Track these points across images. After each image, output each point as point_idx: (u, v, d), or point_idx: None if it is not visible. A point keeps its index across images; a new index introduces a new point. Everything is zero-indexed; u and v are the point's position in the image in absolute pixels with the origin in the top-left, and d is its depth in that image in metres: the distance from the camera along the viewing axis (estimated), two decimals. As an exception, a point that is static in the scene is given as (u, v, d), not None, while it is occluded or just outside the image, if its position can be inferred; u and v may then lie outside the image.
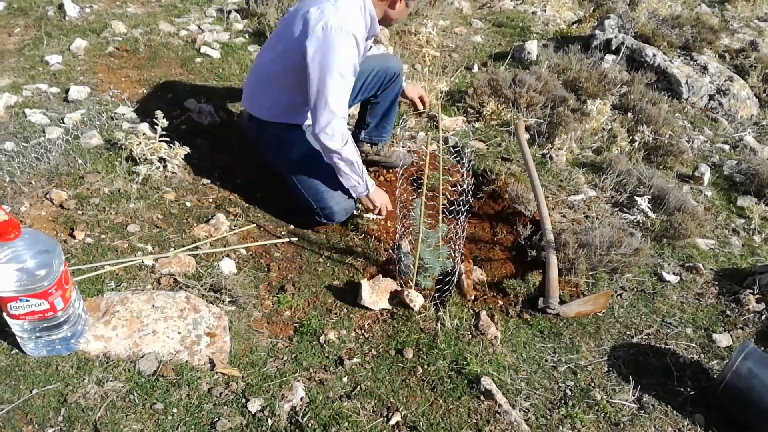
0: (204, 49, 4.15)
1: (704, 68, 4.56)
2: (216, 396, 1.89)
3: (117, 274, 2.29)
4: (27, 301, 1.74)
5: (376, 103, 3.03)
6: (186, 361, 1.97)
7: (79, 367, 1.89)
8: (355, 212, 2.79)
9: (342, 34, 2.29)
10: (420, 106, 3.14)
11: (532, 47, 4.61)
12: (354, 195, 2.63)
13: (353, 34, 2.32)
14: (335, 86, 2.35)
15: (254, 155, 2.98)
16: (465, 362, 2.13)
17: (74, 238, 2.43)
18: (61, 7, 4.52)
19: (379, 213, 2.72)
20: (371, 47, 2.80)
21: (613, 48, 4.67)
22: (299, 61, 2.38)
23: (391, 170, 3.16)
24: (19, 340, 1.87)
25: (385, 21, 2.55)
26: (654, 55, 4.51)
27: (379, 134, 3.16)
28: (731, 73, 4.55)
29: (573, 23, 5.46)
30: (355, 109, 3.27)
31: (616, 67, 4.49)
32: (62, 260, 1.80)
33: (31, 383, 1.82)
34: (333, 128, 2.39)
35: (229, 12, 4.80)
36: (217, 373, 1.96)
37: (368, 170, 3.03)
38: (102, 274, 2.27)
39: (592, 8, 5.71)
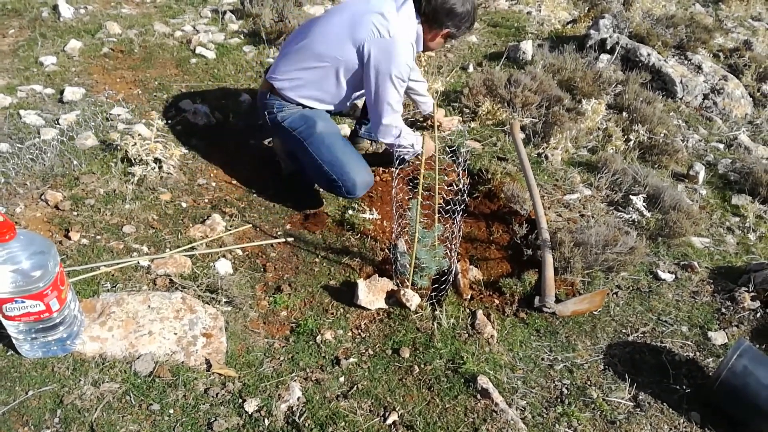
0: (199, 50, 4.14)
1: (698, 68, 4.57)
2: (212, 396, 1.88)
3: (112, 275, 2.28)
4: (22, 302, 1.74)
5: None
6: (182, 362, 1.97)
7: (75, 369, 1.88)
8: (351, 212, 2.79)
9: (403, 42, 2.52)
10: (439, 126, 3.25)
11: (527, 47, 4.62)
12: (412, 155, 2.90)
13: (411, 44, 2.56)
14: (394, 89, 2.60)
15: (265, 135, 3.18)
16: (461, 361, 2.13)
17: (69, 239, 2.42)
18: (55, 8, 4.52)
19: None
20: None
21: (608, 48, 4.68)
22: (353, 57, 2.57)
23: (387, 170, 3.15)
24: (14, 341, 1.87)
25: (424, 45, 2.73)
26: (648, 55, 4.52)
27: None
28: (725, 73, 4.57)
29: (568, 23, 5.47)
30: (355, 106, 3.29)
31: (610, 66, 4.50)
32: (58, 261, 1.80)
33: (27, 385, 1.82)
34: (392, 125, 2.71)
35: (224, 13, 4.80)
36: (213, 373, 1.96)
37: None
38: (97, 275, 2.27)
39: (586, 8, 5.72)
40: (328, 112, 2.85)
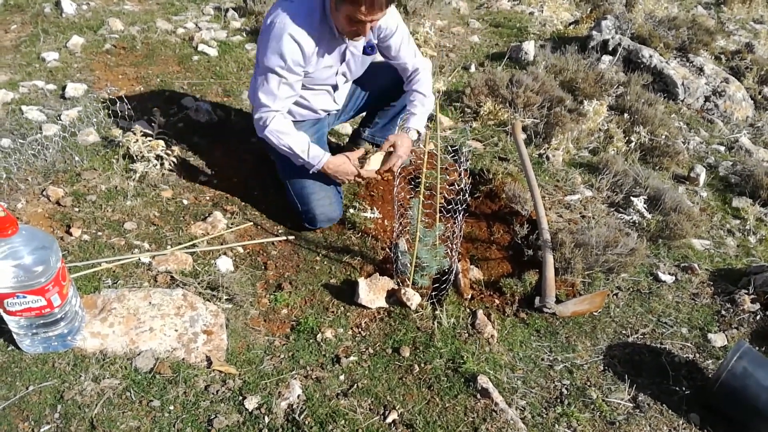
0: (201, 47, 4.14)
1: (700, 70, 4.57)
2: (213, 393, 1.89)
3: (114, 272, 2.28)
4: (24, 297, 1.74)
5: (392, 105, 2.99)
6: (183, 359, 1.97)
7: (76, 364, 1.88)
8: (352, 210, 2.80)
9: (280, 34, 2.29)
10: (389, 153, 2.66)
11: (530, 48, 4.62)
12: (311, 171, 2.58)
13: (291, 35, 2.29)
14: (265, 81, 2.40)
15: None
16: (462, 361, 2.13)
17: (71, 235, 2.42)
18: (57, 3, 4.51)
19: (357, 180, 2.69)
20: (370, 53, 2.64)
21: (610, 49, 4.69)
22: None
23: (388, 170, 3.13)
24: (15, 336, 1.87)
25: (336, 28, 2.40)
26: (650, 57, 4.53)
27: (383, 135, 3.03)
28: (727, 75, 4.57)
29: (570, 24, 5.48)
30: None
31: (612, 68, 4.51)
32: (59, 257, 1.80)
33: (28, 380, 1.82)
34: (260, 117, 2.47)
35: (227, 10, 4.79)
36: (214, 370, 1.96)
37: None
38: (99, 271, 2.27)
39: (589, 9, 5.73)
40: (317, 120, 2.77)
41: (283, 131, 2.48)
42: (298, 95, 2.55)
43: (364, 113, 3.13)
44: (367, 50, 2.58)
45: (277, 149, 2.53)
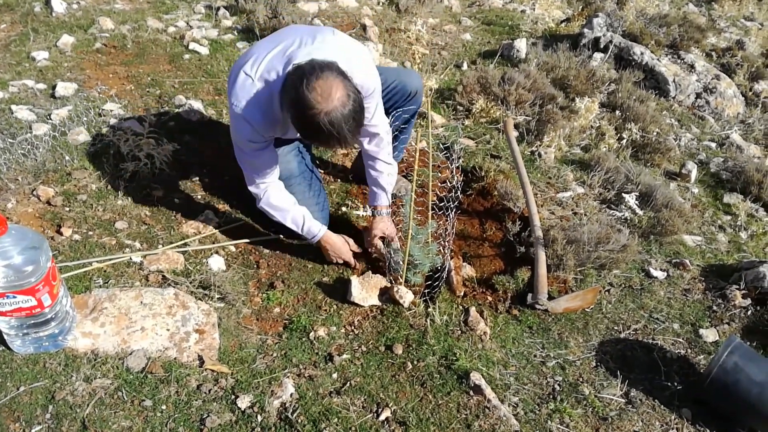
0: (192, 46, 4.13)
1: (691, 67, 4.59)
2: (205, 393, 1.88)
3: (105, 271, 2.27)
4: (14, 297, 1.73)
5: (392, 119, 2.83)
6: (175, 358, 1.97)
7: (67, 364, 1.88)
8: (345, 209, 2.79)
9: (237, 118, 2.16)
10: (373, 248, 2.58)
11: (521, 45, 4.63)
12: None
13: (246, 120, 2.14)
14: (243, 167, 2.37)
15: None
16: (454, 358, 2.14)
17: (61, 234, 2.41)
18: (47, 2, 4.48)
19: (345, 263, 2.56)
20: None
21: (602, 46, 4.70)
22: None
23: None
24: (6, 337, 1.86)
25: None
26: (642, 54, 4.54)
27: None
28: (718, 72, 4.59)
29: (562, 22, 5.48)
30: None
31: (604, 65, 4.52)
32: (49, 256, 1.79)
33: (19, 380, 1.81)
34: (252, 192, 2.41)
35: (218, 9, 4.78)
36: (206, 369, 1.96)
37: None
38: (90, 271, 2.26)
39: (580, 7, 5.73)
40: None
41: (277, 207, 2.41)
42: (277, 156, 2.41)
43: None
44: None
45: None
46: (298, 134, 2.19)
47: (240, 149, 2.30)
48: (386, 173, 2.54)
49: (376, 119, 2.39)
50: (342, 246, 2.50)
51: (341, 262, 2.53)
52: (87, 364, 1.88)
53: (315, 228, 2.44)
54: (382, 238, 2.55)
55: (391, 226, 2.57)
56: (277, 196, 2.41)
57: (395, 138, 2.75)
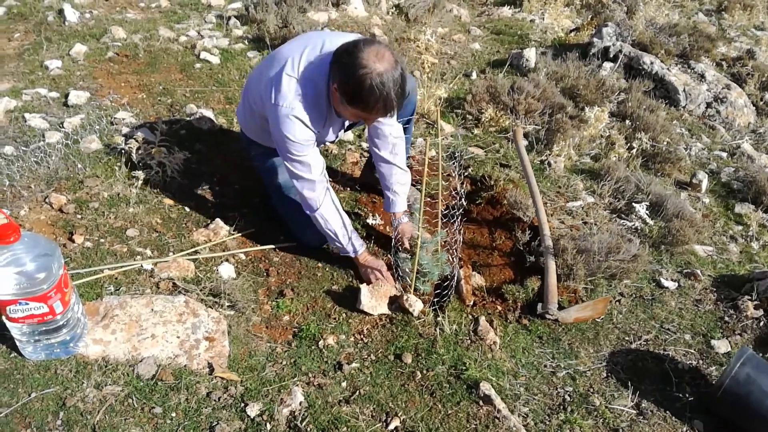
0: (203, 55, 4.16)
1: (702, 76, 4.58)
2: (215, 400, 1.88)
3: (116, 278, 2.28)
4: (26, 304, 1.74)
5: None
6: (185, 366, 1.97)
7: (78, 371, 1.88)
8: (354, 217, 2.79)
9: (287, 117, 2.17)
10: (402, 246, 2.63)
11: (531, 55, 4.63)
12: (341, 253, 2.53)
13: (297, 117, 2.17)
14: (290, 163, 2.29)
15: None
16: (464, 367, 2.13)
17: (73, 242, 2.43)
18: (61, 12, 4.54)
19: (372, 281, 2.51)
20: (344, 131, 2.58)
21: (611, 56, 4.70)
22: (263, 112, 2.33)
23: None
24: (18, 343, 1.87)
25: (337, 112, 2.30)
26: (652, 63, 4.53)
27: None
28: (728, 81, 4.58)
29: (571, 31, 5.49)
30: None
31: (613, 74, 4.51)
32: (62, 263, 1.80)
33: (30, 387, 1.82)
34: (303, 194, 2.35)
35: (229, 18, 4.82)
36: (215, 377, 1.96)
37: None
38: (101, 278, 2.27)
39: (590, 16, 5.74)
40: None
41: (331, 215, 2.38)
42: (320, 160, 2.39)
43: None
44: None
45: (320, 229, 2.43)
46: (342, 117, 2.30)
47: (291, 154, 2.25)
48: (402, 181, 2.62)
49: (394, 120, 2.45)
50: (380, 267, 2.49)
51: (378, 277, 2.49)
52: (98, 371, 1.89)
53: (359, 244, 2.48)
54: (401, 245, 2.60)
55: (408, 230, 2.66)
56: (332, 205, 2.40)
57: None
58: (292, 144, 2.22)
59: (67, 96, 3.43)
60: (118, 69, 3.89)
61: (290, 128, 2.19)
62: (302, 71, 2.19)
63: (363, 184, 3.09)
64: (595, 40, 4.87)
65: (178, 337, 2.04)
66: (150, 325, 2.05)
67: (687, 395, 2.16)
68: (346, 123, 2.49)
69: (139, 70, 3.92)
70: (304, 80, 2.18)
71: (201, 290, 2.30)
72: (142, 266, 2.36)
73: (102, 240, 2.48)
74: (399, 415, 1.93)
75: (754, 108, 4.48)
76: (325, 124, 2.32)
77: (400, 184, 2.63)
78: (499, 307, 2.46)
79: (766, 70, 4.85)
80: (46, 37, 4.17)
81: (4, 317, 1.78)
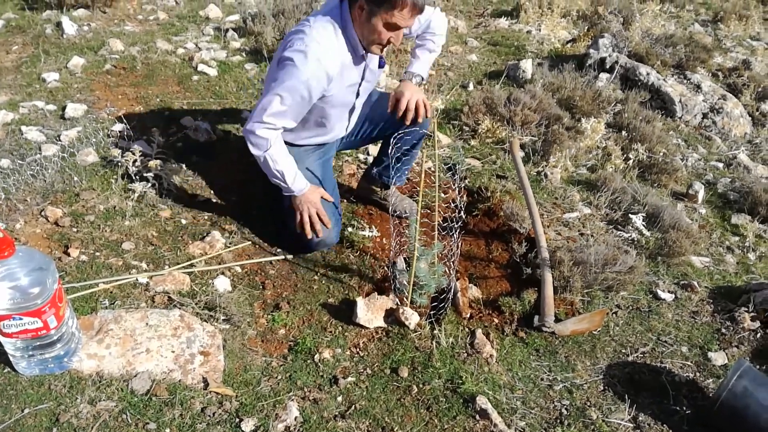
0: (201, 67, 4.17)
1: (698, 87, 4.59)
2: (209, 416, 1.87)
3: (111, 292, 2.28)
4: (20, 319, 1.73)
5: (388, 143, 2.83)
6: (179, 380, 1.96)
7: (72, 386, 1.87)
8: (351, 229, 2.79)
9: (306, 57, 2.21)
10: (408, 117, 2.59)
11: (527, 66, 4.65)
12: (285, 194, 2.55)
13: (319, 60, 2.22)
14: (273, 101, 2.28)
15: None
16: (460, 381, 2.12)
17: (69, 255, 2.42)
18: (59, 25, 4.55)
19: (308, 227, 2.54)
20: (382, 66, 2.56)
21: (607, 67, 4.71)
22: None
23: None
24: (11, 358, 1.86)
25: (363, 41, 2.32)
26: (648, 74, 4.55)
27: (389, 175, 2.89)
28: (724, 92, 4.59)
29: (567, 42, 5.51)
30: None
31: (610, 85, 4.53)
32: (56, 278, 1.80)
33: (23, 402, 1.81)
34: (261, 135, 2.35)
35: (227, 30, 4.83)
36: (210, 392, 1.95)
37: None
38: (96, 291, 2.27)
39: (586, 27, 5.76)
40: (319, 146, 2.70)
41: (280, 156, 2.41)
42: (298, 122, 2.45)
43: (372, 145, 3.05)
44: (381, 62, 2.51)
45: (265, 171, 2.46)
46: (366, 55, 2.37)
47: (286, 93, 2.26)
48: (427, 46, 2.67)
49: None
50: (315, 196, 2.52)
51: (308, 226, 2.51)
52: (92, 386, 1.88)
53: (303, 183, 2.49)
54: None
55: (418, 92, 2.58)
56: (282, 147, 2.43)
57: (398, 159, 2.79)
58: (292, 82, 2.23)
59: (64, 109, 3.43)
60: (116, 81, 3.90)
61: (302, 66, 2.21)
62: (315, 20, 2.26)
63: (359, 196, 3.09)
64: (591, 51, 4.89)
65: (173, 352, 2.03)
66: (145, 339, 2.05)
67: (684, 408, 2.15)
68: (366, 70, 2.47)
69: (137, 82, 3.93)
70: (318, 23, 2.25)
71: (196, 304, 2.29)
72: (137, 280, 2.35)
73: (97, 253, 2.47)
74: (395, 429, 1.92)
75: (750, 118, 4.49)
76: (343, 65, 2.32)
77: (424, 48, 2.69)
78: (496, 320, 2.46)
79: (762, 81, 4.87)
80: (44, 49, 4.18)
81: (-3, 332, 1.77)
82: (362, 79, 2.51)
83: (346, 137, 2.86)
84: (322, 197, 2.56)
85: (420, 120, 2.61)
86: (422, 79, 2.68)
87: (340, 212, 2.73)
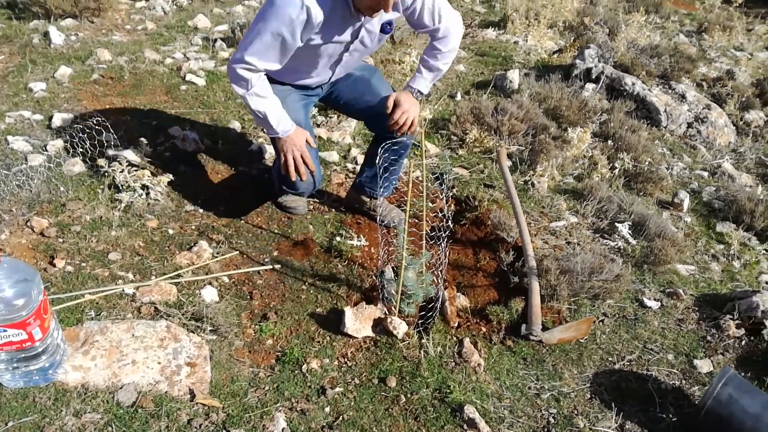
0: (189, 77, 4.17)
1: (682, 96, 4.65)
2: (196, 427, 1.86)
3: (97, 303, 2.26)
4: (4, 331, 1.72)
5: (374, 154, 2.80)
6: (166, 392, 1.95)
7: (57, 399, 1.86)
8: (339, 238, 2.80)
9: (290, 1, 2.15)
10: (397, 129, 2.60)
11: (514, 76, 4.68)
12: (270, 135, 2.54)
13: (305, 4, 2.14)
14: (255, 39, 2.25)
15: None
16: (448, 390, 2.12)
17: (54, 266, 2.40)
18: (46, 34, 4.54)
19: (294, 171, 2.53)
20: (388, 31, 2.50)
21: (593, 77, 4.76)
22: None
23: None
24: (-5, 371, 1.84)
25: (354, 2, 2.26)
26: (633, 84, 4.60)
27: (372, 187, 2.93)
28: (709, 102, 4.65)
29: (554, 53, 5.56)
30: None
31: (596, 95, 4.57)
32: (41, 289, 1.79)
33: (7, 415, 1.79)
34: (242, 75, 2.32)
35: (215, 40, 4.84)
36: (197, 403, 1.94)
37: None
38: (82, 303, 2.25)
39: (572, 38, 5.82)
40: (303, 88, 2.64)
41: (263, 98, 2.40)
42: (283, 64, 2.40)
43: (359, 154, 3.01)
44: (385, 28, 2.47)
45: (248, 110, 2.44)
46: (360, 18, 2.29)
47: (267, 32, 2.22)
48: (435, 65, 2.62)
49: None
50: (300, 139, 2.50)
51: (292, 168, 2.50)
52: (77, 399, 1.86)
53: (288, 124, 2.47)
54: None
55: (415, 106, 2.58)
56: (265, 85, 2.41)
57: (385, 169, 2.76)
58: (278, 22, 2.18)
59: (51, 118, 3.42)
60: (103, 91, 3.89)
61: (288, 8, 2.15)
62: None
63: (348, 206, 3.09)
64: (577, 61, 4.94)
65: (159, 363, 2.02)
66: (131, 350, 2.03)
67: (670, 416, 2.17)
68: (361, 30, 2.41)
69: (124, 92, 3.92)
70: None
71: (183, 314, 2.28)
72: (123, 290, 2.34)
73: (83, 264, 2.46)
74: (382, 439, 1.92)
75: (734, 127, 4.55)
76: (330, 17, 2.24)
77: (428, 64, 2.63)
78: (484, 329, 2.46)
79: (746, 90, 4.94)
80: (31, 59, 4.17)
81: (-19, 345, 1.75)
82: (355, 38, 2.44)
83: (332, 92, 2.81)
84: (306, 141, 2.54)
85: (401, 134, 2.62)
86: (422, 95, 2.70)
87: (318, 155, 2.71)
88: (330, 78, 2.69)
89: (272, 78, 2.54)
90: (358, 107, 2.79)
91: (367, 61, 2.62)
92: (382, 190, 2.89)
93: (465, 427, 1.99)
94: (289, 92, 2.61)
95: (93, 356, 1.99)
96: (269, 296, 2.50)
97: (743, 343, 2.52)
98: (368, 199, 3.01)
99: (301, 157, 2.51)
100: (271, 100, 2.43)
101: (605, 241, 3.09)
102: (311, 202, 3.10)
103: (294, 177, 2.53)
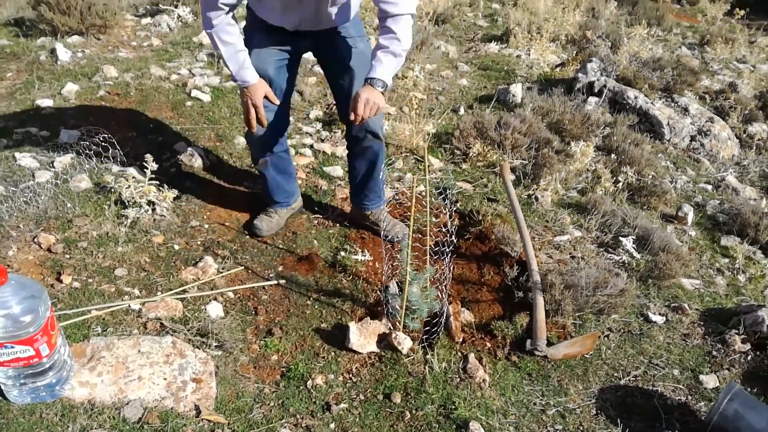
0: (194, 93, 4.20)
1: (685, 110, 4.66)
2: (201, 443, 1.87)
3: (103, 319, 2.28)
4: (12, 347, 1.73)
5: (352, 167, 2.89)
6: (171, 408, 1.96)
7: (64, 415, 1.87)
8: (343, 253, 2.80)
9: None
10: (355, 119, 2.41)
11: (517, 90, 4.71)
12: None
13: None
14: None
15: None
16: (453, 406, 2.12)
17: (61, 282, 2.42)
18: (53, 51, 4.59)
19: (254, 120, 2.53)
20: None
21: (596, 90, 4.78)
22: None
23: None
24: (2, 387, 1.85)
25: None
26: (636, 97, 4.62)
27: (360, 201, 2.96)
28: (712, 114, 4.66)
29: (556, 66, 5.59)
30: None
31: (598, 109, 4.59)
32: (48, 306, 1.80)
33: (15, 431, 1.80)
34: (203, 10, 2.35)
35: (220, 56, 4.87)
36: (202, 419, 1.94)
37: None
38: (88, 318, 2.26)
39: (574, 52, 5.86)
40: (280, 33, 2.54)
41: (223, 39, 2.40)
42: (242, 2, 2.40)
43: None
44: None
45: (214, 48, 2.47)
46: None
47: None
48: (391, 49, 2.36)
49: None
50: (258, 94, 2.48)
51: (245, 118, 2.53)
52: (83, 415, 1.87)
53: (250, 76, 2.45)
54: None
55: (378, 98, 2.36)
56: (230, 29, 2.41)
57: (362, 185, 2.87)
58: None
59: (57, 135, 3.45)
60: (110, 107, 3.93)
61: None
62: None
63: (352, 221, 3.11)
64: (580, 75, 4.97)
65: (165, 379, 2.03)
66: (137, 366, 2.04)
67: (677, 431, 2.16)
68: None
69: (130, 108, 3.95)
70: None
71: (188, 330, 2.29)
72: (129, 306, 2.35)
73: (90, 280, 2.47)
74: (388, 456, 1.92)
75: (738, 140, 4.56)
76: None
77: (385, 51, 2.37)
78: (488, 344, 2.46)
79: (749, 103, 4.96)
80: (38, 76, 4.21)
81: (-12, 362, 1.76)
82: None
83: (320, 58, 2.78)
84: (266, 97, 2.52)
85: (358, 121, 2.44)
86: (386, 85, 2.40)
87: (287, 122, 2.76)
88: (298, 24, 2.52)
89: (256, 18, 2.54)
90: (333, 86, 2.78)
91: (364, 52, 2.58)
92: (368, 202, 2.94)
93: (470, 443, 1.99)
94: (265, 43, 2.57)
95: (99, 372, 2.00)
96: (274, 311, 2.51)
97: (749, 358, 2.52)
98: (368, 212, 3.02)
99: (256, 110, 2.51)
100: (233, 48, 2.43)
101: (609, 255, 3.09)
102: (316, 218, 3.11)
103: (248, 127, 2.58)
